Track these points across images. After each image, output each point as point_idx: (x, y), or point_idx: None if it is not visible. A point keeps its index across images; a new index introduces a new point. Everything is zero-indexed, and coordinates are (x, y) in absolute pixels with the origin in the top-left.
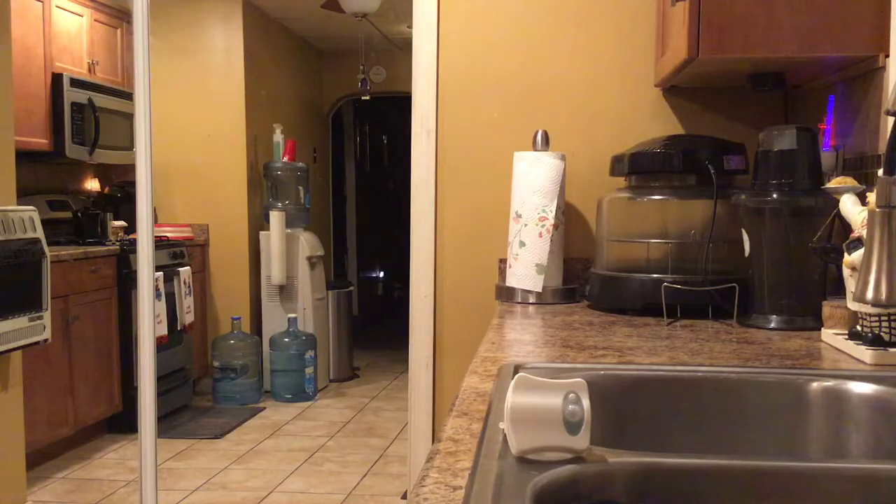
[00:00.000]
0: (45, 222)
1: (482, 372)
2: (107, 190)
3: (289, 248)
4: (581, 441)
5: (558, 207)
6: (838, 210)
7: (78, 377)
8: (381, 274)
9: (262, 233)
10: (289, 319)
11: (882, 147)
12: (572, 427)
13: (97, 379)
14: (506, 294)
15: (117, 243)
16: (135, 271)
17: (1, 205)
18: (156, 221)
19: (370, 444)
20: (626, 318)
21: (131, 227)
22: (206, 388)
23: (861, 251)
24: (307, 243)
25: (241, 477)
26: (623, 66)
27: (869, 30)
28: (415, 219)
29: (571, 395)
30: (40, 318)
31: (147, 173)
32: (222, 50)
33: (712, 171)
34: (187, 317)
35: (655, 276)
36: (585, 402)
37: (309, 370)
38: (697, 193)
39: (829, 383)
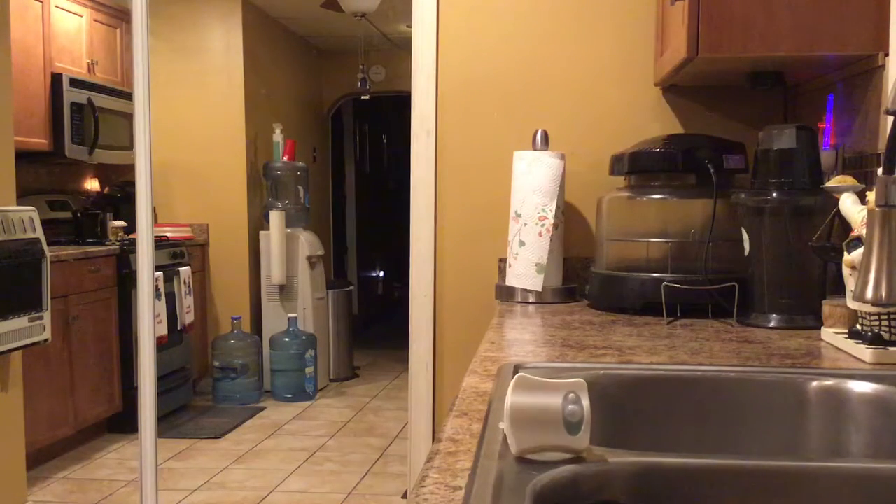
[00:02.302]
0: (45, 222)
1: (482, 372)
2: (107, 190)
3: (289, 248)
4: (581, 441)
5: (558, 207)
6: (838, 209)
7: (78, 377)
8: (381, 273)
9: (262, 233)
10: (289, 319)
11: (882, 146)
12: (572, 427)
13: (97, 379)
14: (506, 293)
15: (117, 243)
16: (135, 271)
17: (1, 205)
18: (156, 221)
19: (370, 444)
20: (626, 317)
21: (131, 227)
22: (206, 388)
23: (861, 250)
24: (307, 243)
25: (242, 477)
26: (622, 65)
27: (868, 28)
28: (415, 218)
29: (571, 395)
30: (40, 318)
31: (147, 173)
32: (222, 50)
33: (712, 171)
34: (187, 317)
35: (655, 275)
36: (585, 402)
37: (309, 370)
38: (697, 192)
39: (829, 382)
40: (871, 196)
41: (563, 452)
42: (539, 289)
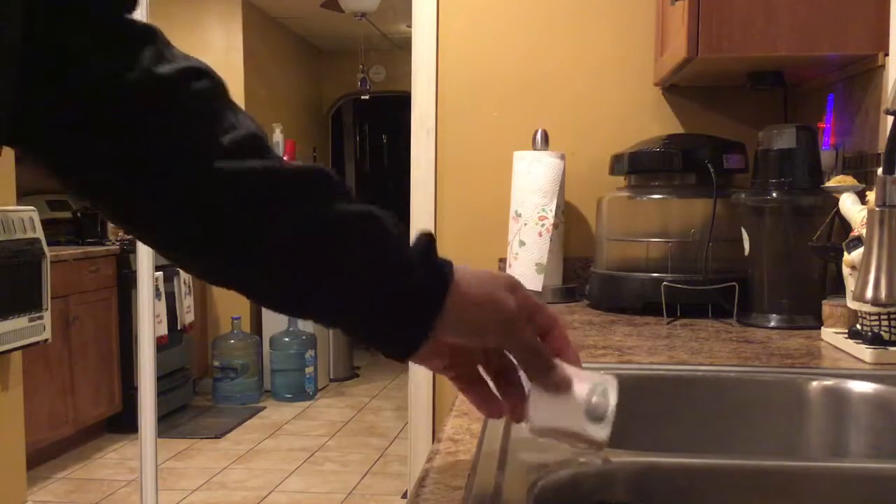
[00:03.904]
0: (45, 222)
1: None
2: None
3: None
4: (601, 432)
5: (558, 206)
6: (838, 209)
7: (78, 377)
8: None
9: None
10: (289, 319)
11: (882, 146)
12: (594, 419)
13: (97, 379)
14: None
15: (117, 243)
16: (135, 271)
17: (1, 205)
18: None
19: (370, 444)
20: (626, 317)
21: None
22: (206, 388)
23: (860, 250)
24: None
25: (242, 476)
26: (622, 65)
27: (868, 28)
28: (415, 218)
29: (600, 388)
30: (40, 318)
31: None
32: (222, 49)
33: (712, 170)
34: (187, 317)
35: (655, 275)
36: (613, 399)
37: (309, 369)
38: (697, 192)
39: (829, 382)
40: (871, 196)
41: (580, 442)
42: (539, 289)
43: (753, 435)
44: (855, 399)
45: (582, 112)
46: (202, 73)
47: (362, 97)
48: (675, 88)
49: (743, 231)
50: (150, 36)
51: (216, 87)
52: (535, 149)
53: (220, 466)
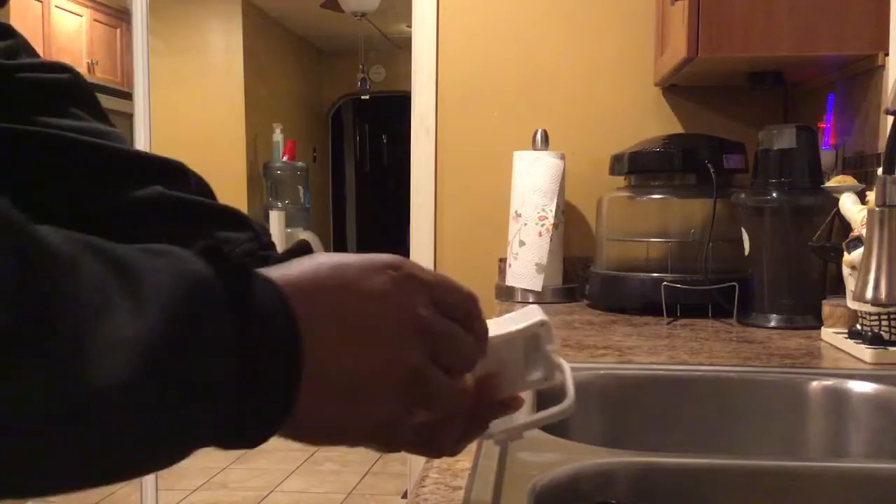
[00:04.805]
0: None
1: None
2: None
3: None
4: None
5: (558, 206)
6: (838, 209)
7: None
8: None
9: None
10: None
11: (882, 146)
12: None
13: None
14: (505, 293)
15: None
16: None
17: None
18: None
19: None
20: (626, 317)
21: None
22: None
23: (861, 250)
24: None
25: (242, 476)
26: (622, 65)
27: (868, 28)
28: (415, 218)
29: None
30: None
31: None
32: (222, 49)
33: (712, 170)
34: None
35: (655, 275)
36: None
37: None
38: (697, 192)
39: (829, 382)
40: (871, 196)
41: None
42: (539, 289)
43: (753, 435)
44: (855, 399)
45: (582, 112)
46: (62, 70)
47: (362, 97)
48: (675, 88)
49: (743, 231)
50: (8, 33)
51: (65, 83)
52: (535, 149)
53: (220, 466)
